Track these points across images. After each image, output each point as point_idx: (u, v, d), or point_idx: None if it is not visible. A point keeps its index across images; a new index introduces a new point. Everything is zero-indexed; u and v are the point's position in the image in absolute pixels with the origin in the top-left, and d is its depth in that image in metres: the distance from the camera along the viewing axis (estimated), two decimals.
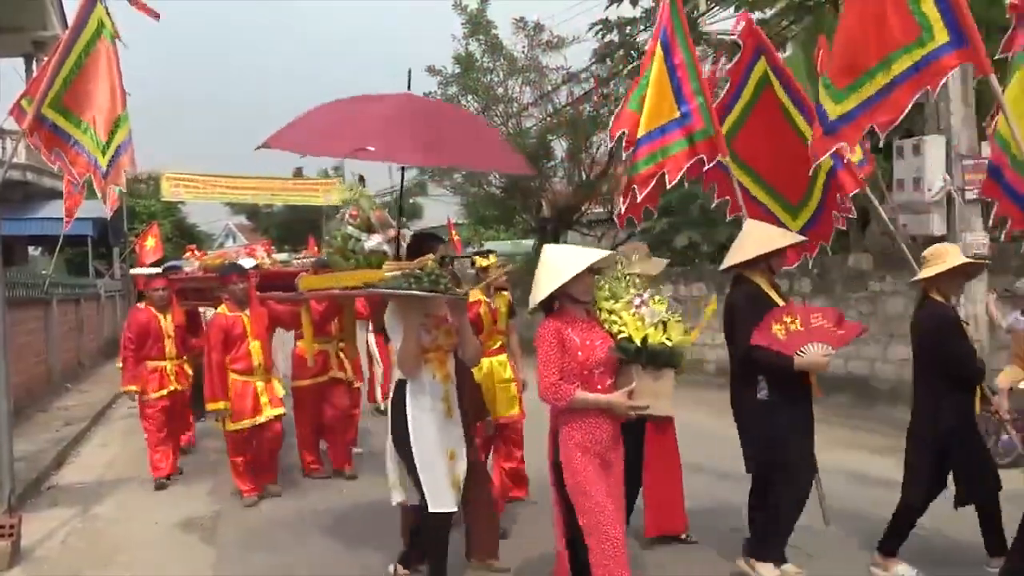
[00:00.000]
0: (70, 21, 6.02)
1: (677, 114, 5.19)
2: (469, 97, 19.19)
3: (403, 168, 5.51)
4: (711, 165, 5.21)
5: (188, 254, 8.53)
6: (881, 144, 6.26)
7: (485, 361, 5.47)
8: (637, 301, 3.76)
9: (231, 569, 5.13)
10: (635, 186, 5.18)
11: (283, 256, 8.49)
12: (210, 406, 6.41)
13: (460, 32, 18.92)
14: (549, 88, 18.67)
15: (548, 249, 3.78)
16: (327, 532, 5.68)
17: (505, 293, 5.91)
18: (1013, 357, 6.91)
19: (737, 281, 4.56)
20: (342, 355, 7.18)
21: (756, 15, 13.75)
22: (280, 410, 6.59)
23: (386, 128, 4.48)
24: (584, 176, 19.22)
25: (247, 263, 7.25)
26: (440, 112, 6.14)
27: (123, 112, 6.02)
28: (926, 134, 7.54)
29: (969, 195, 7.32)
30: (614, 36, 16.97)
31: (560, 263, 3.61)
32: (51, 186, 18.76)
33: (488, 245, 26.28)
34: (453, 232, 10.84)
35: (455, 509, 4.20)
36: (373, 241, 5.57)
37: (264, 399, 6.47)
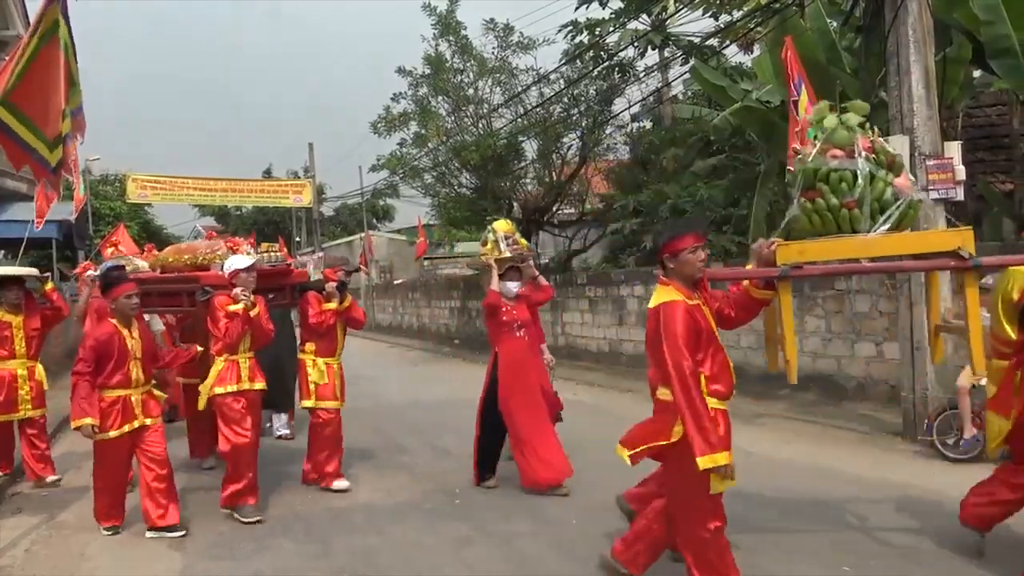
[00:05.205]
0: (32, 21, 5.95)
1: None
2: (440, 98, 19.19)
3: None
4: None
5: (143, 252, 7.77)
6: None
7: None
8: None
9: None
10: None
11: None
12: None
13: (430, 33, 18.92)
14: (519, 89, 18.69)
15: None
16: (295, 539, 5.62)
17: None
18: (991, 350, 6.96)
19: None
20: None
21: (724, 16, 13.92)
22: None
23: None
24: (554, 177, 19.27)
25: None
26: None
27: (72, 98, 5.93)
28: (891, 134, 7.66)
29: (933, 194, 7.45)
30: (584, 37, 17.06)
31: None
32: (13, 188, 18.39)
33: (459, 246, 26.20)
34: (422, 233, 10.78)
35: None
36: (904, 185, 3.96)
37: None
